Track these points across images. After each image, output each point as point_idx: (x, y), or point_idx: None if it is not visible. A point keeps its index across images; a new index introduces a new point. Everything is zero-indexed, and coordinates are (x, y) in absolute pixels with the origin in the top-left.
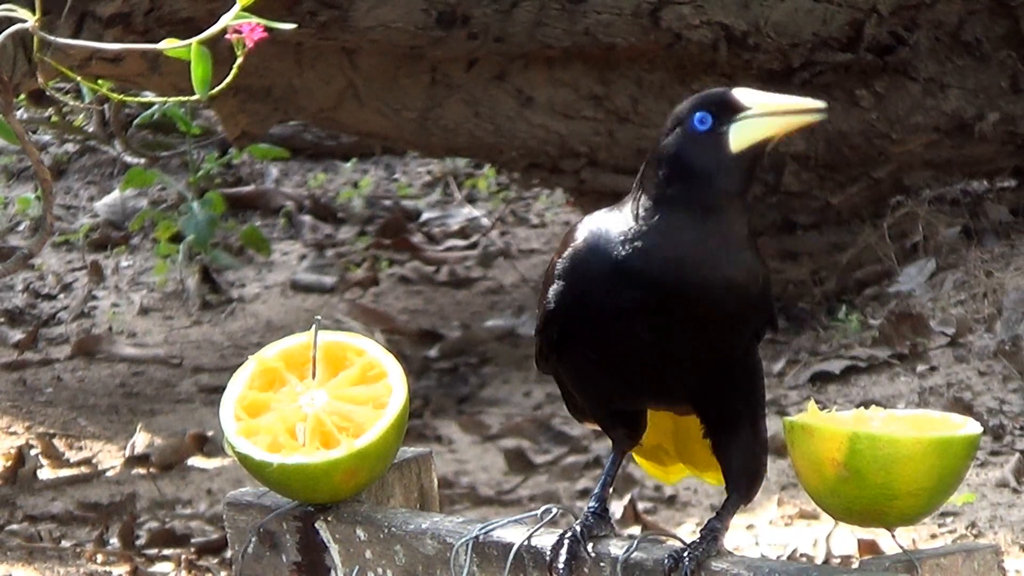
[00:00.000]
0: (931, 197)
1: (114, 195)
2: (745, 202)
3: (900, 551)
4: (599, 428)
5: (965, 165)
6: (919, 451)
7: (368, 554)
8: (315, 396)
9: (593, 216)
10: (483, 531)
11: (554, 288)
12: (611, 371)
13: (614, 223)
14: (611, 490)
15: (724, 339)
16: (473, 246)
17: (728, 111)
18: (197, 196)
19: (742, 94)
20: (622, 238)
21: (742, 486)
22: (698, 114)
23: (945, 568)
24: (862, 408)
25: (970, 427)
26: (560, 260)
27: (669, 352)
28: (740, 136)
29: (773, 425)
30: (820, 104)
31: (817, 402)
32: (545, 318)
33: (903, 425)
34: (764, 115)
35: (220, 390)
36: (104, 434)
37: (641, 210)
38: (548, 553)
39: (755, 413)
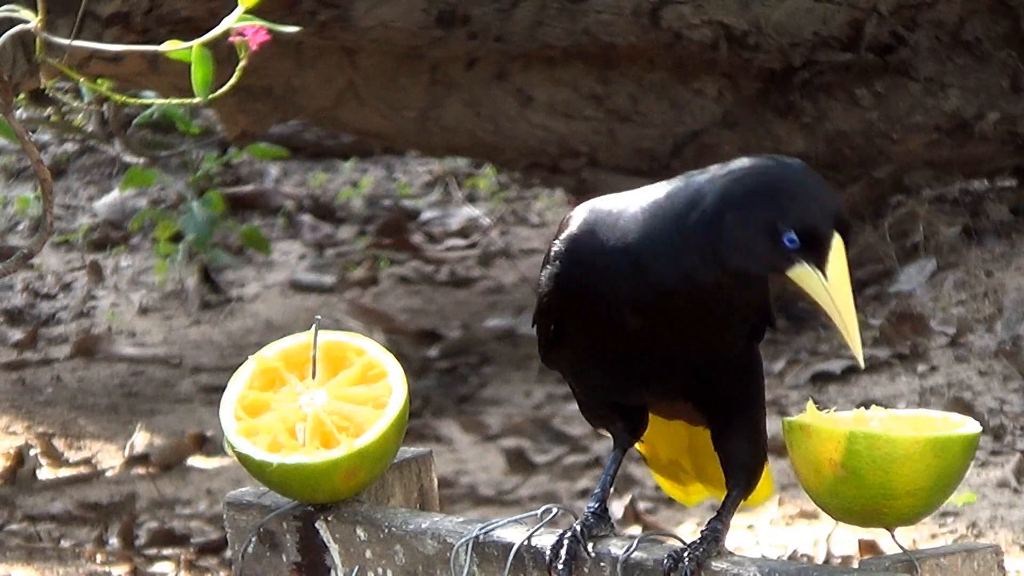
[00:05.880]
0: (931, 197)
1: (114, 195)
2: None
3: (900, 551)
4: (602, 429)
5: (965, 165)
6: (916, 451)
7: (368, 554)
8: (315, 396)
9: (594, 203)
10: (483, 531)
11: (548, 270)
12: (606, 360)
13: (618, 219)
14: (611, 490)
15: (716, 335)
16: (473, 246)
17: (817, 249)
18: (197, 196)
19: (837, 249)
20: (623, 238)
21: (741, 480)
22: (791, 236)
23: (945, 568)
24: (862, 408)
25: (969, 426)
26: (556, 243)
27: (660, 344)
28: (802, 279)
29: (774, 425)
30: (859, 353)
31: (817, 402)
32: (540, 302)
33: (903, 425)
34: (831, 289)
35: (220, 390)
36: (104, 434)
37: (656, 221)
38: (548, 553)
39: (754, 409)
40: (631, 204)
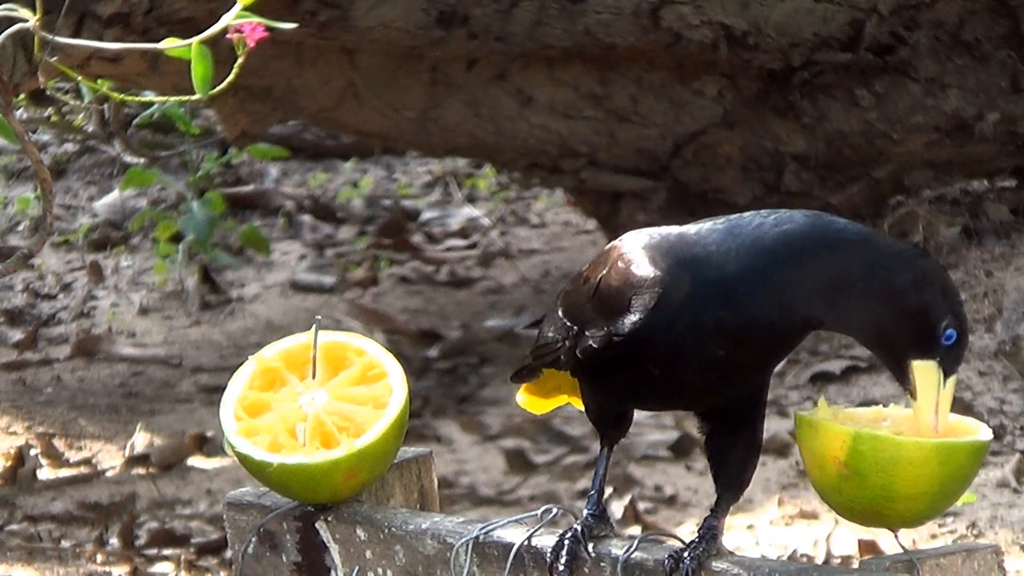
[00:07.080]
0: (931, 197)
1: (114, 195)
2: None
3: (900, 551)
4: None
5: (965, 165)
6: (921, 455)
7: (368, 554)
8: (315, 396)
9: (660, 241)
10: (483, 531)
11: (630, 319)
12: (664, 385)
13: (708, 256)
14: (607, 490)
15: (773, 362)
16: (473, 246)
17: (956, 354)
18: (197, 196)
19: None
20: (720, 273)
21: (734, 487)
22: (952, 334)
23: (945, 568)
24: (879, 407)
25: (982, 434)
26: (635, 291)
27: (739, 367)
28: (923, 372)
29: (772, 426)
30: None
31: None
32: (608, 343)
33: (915, 426)
34: (942, 397)
35: (220, 390)
36: (104, 434)
37: (759, 259)
38: (548, 553)
39: (757, 417)
40: (720, 241)
